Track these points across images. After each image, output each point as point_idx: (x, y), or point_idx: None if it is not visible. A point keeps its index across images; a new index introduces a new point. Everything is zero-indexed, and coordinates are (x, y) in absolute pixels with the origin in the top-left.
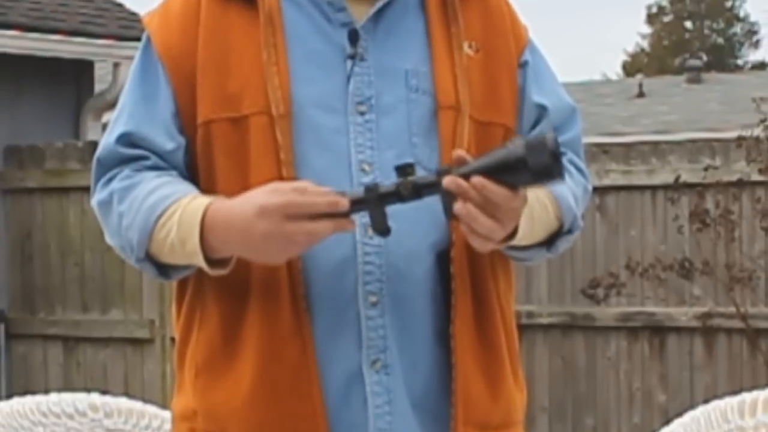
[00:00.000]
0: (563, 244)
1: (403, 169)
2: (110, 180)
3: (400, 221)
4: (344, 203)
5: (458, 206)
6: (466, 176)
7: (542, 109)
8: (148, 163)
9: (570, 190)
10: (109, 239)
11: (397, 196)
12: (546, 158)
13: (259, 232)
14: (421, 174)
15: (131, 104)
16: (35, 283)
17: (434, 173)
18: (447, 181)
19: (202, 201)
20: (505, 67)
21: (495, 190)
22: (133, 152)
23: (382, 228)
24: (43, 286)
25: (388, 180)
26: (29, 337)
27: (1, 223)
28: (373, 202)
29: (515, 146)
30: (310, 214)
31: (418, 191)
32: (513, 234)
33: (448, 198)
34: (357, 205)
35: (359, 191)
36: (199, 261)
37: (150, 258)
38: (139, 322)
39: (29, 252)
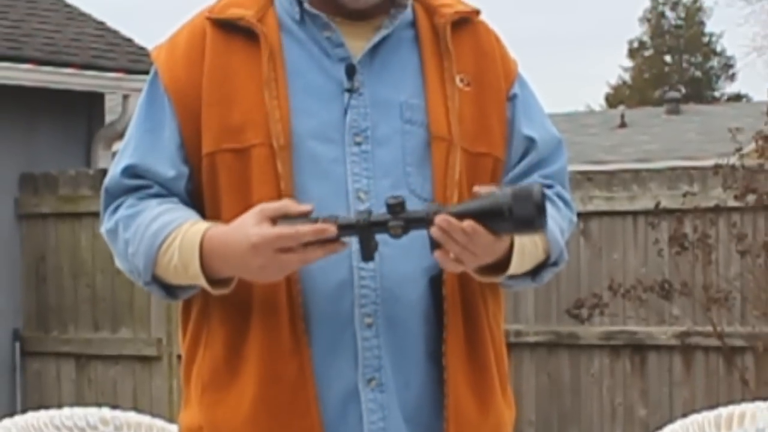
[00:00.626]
0: (548, 275)
1: (393, 207)
2: (116, 209)
3: (394, 247)
4: (331, 230)
5: (440, 238)
6: (456, 217)
7: (530, 141)
8: (151, 191)
9: (558, 225)
10: (118, 263)
11: (386, 227)
12: (531, 210)
13: (255, 266)
14: (412, 206)
15: (137, 136)
16: (49, 303)
17: (424, 211)
18: (439, 219)
19: (199, 227)
20: (495, 100)
21: (482, 234)
22: (137, 182)
23: (369, 254)
24: (56, 307)
25: (383, 208)
26: (43, 354)
27: (16, 246)
28: (363, 228)
29: (503, 194)
30: (300, 243)
31: (407, 225)
32: (504, 270)
33: None
34: (346, 230)
35: (350, 217)
36: (203, 283)
37: (157, 280)
38: (147, 340)
39: (43, 274)
